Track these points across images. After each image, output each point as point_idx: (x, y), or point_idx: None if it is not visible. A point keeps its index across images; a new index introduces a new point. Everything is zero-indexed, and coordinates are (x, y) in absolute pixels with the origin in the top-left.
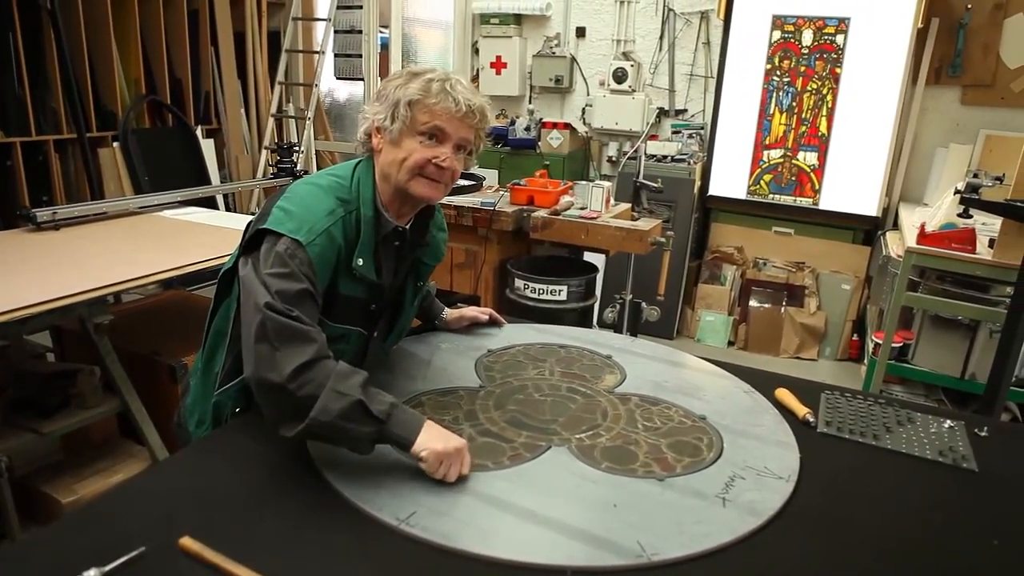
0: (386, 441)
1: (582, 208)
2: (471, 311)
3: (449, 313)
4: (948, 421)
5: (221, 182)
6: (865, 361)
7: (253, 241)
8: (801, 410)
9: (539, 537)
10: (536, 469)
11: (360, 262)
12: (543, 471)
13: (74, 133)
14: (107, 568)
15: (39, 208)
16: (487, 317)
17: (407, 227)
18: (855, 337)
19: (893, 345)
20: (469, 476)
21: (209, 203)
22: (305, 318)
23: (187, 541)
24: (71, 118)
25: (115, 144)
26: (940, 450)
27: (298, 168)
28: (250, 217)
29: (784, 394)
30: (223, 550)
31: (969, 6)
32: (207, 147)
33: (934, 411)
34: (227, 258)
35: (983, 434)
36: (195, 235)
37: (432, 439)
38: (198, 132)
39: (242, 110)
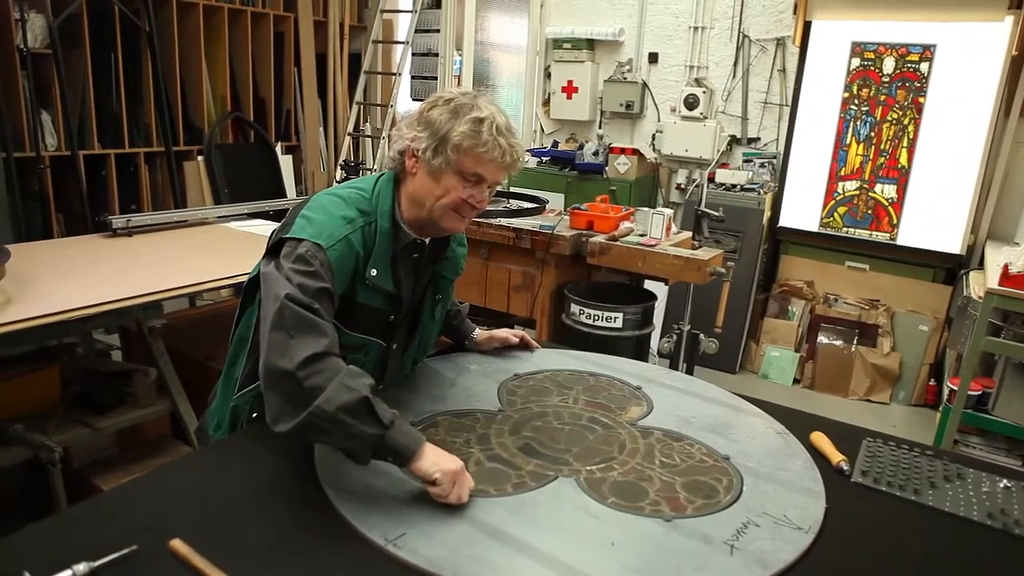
0: (386, 451)
1: (642, 235)
2: (502, 332)
3: (479, 334)
4: (1004, 480)
5: (297, 197)
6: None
7: (275, 248)
8: (836, 456)
9: (526, 571)
10: (538, 499)
11: (374, 272)
12: (544, 502)
13: (163, 146)
14: (96, 564)
15: (115, 216)
16: (518, 340)
17: (426, 240)
18: (932, 382)
19: (971, 393)
20: (468, 501)
21: (284, 217)
22: (324, 312)
23: (177, 543)
24: (161, 132)
25: (199, 158)
26: (990, 512)
27: None
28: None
29: (819, 438)
30: (212, 555)
31: None
32: (286, 163)
33: (991, 468)
34: None
35: None
36: (255, 246)
37: (442, 459)
38: (278, 148)
39: (321, 128)
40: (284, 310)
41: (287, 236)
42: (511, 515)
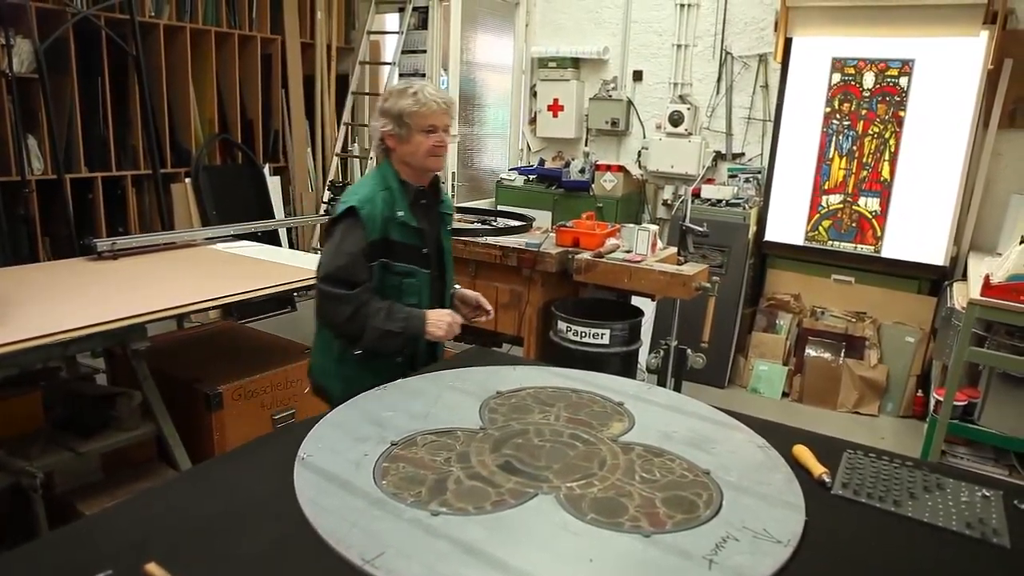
0: (413, 339)
1: (627, 251)
2: (474, 293)
3: (457, 293)
4: (983, 490)
5: (285, 218)
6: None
7: (331, 225)
8: (817, 469)
9: None
10: (517, 517)
11: (400, 213)
12: (524, 519)
13: (150, 169)
14: None
15: (99, 239)
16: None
17: (424, 188)
18: (919, 393)
19: (957, 403)
20: (445, 520)
21: (272, 238)
22: (358, 271)
23: (152, 567)
24: (148, 155)
25: (187, 180)
26: (968, 521)
27: None
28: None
29: (801, 451)
30: None
31: None
32: (274, 184)
33: (970, 478)
34: (258, 293)
35: (1023, 507)
36: (243, 267)
37: (431, 325)
38: (266, 170)
39: (308, 149)
40: (325, 296)
41: (335, 216)
42: (489, 533)
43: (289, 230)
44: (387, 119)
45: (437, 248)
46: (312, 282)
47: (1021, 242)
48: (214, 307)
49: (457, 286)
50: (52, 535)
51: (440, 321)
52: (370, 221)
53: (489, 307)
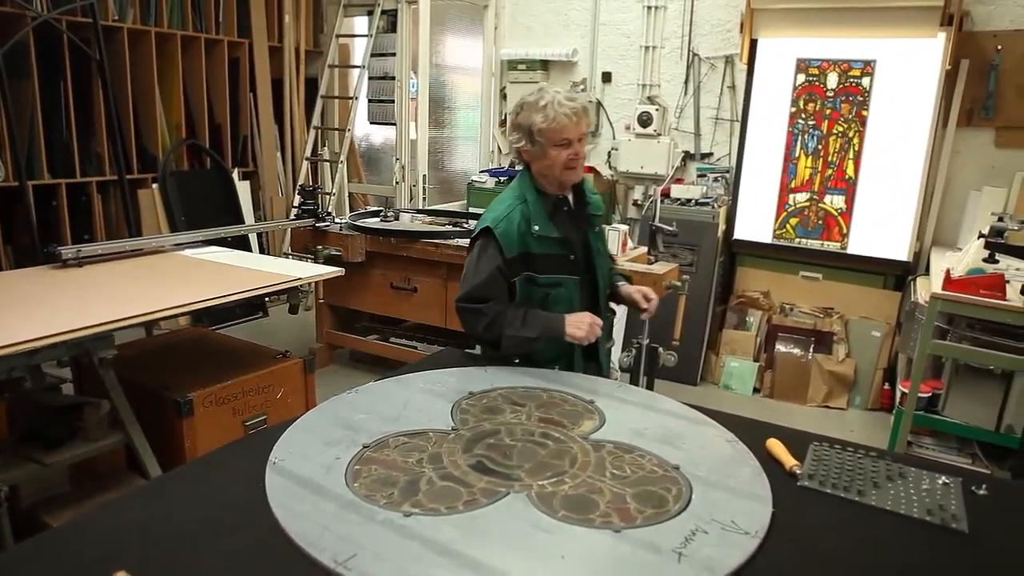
0: (556, 342)
1: None
2: (631, 289)
3: (623, 287)
4: (943, 477)
5: (255, 223)
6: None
7: (472, 241)
8: (789, 461)
9: None
10: (489, 516)
11: (536, 227)
12: (496, 518)
13: (116, 175)
14: None
15: (64, 246)
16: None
17: (566, 196)
18: (886, 386)
19: (922, 395)
20: (418, 521)
21: (242, 243)
22: (494, 288)
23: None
24: (114, 161)
25: (154, 186)
26: (929, 508)
27: (328, 209)
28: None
29: (775, 445)
30: None
31: (1000, 47)
32: (243, 189)
33: (931, 466)
34: (228, 298)
35: (981, 493)
36: (212, 274)
37: (570, 327)
38: (234, 174)
39: (278, 154)
40: (462, 312)
41: (474, 235)
42: (461, 533)
43: (259, 235)
44: (519, 134)
45: (585, 252)
46: (285, 287)
47: (979, 237)
48: (183, 314)
49: (623, 282)
50: (20, 546)
51: (580, 323)
52: (506, 238)
53: (652, 298)
